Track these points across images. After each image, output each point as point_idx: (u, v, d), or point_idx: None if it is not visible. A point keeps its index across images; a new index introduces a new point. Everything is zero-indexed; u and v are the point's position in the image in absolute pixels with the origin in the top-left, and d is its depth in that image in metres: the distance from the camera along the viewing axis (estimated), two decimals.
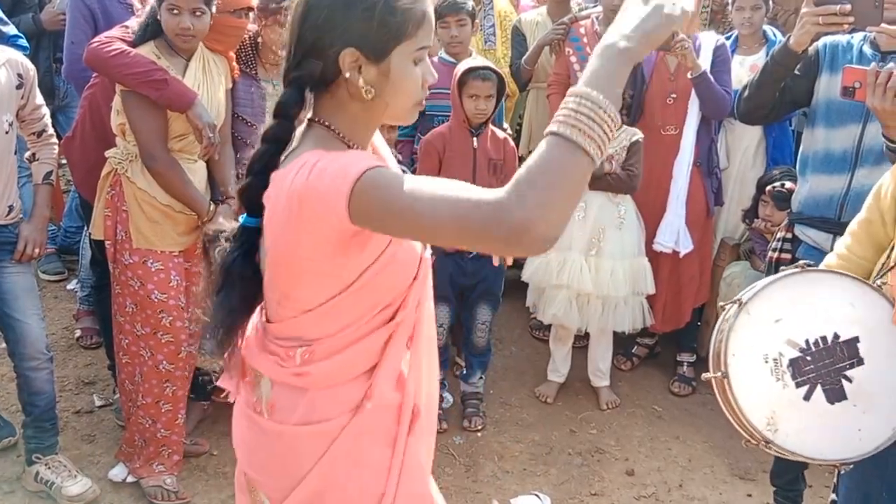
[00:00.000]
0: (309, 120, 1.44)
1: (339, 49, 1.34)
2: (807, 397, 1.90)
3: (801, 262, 2.06)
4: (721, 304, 2.05)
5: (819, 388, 1.90)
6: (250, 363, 1.55)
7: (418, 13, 1.37)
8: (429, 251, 1.54)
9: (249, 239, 1.47)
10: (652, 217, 3.81)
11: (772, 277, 2.00)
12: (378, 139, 1.59)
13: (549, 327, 4.05)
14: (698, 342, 4.30)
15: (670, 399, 4.01)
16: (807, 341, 1.91)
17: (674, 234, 3.79)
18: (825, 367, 1.90)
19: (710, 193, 3.89)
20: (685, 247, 3.81)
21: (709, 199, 3.89)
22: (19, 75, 2.86)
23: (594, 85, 1.16)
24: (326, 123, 1.42)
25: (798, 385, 1.89)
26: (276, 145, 1.41)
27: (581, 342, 4.05)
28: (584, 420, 3.78)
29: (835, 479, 2.86)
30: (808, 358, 1.90)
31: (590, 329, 3.82)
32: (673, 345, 4.23)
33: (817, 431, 1.90)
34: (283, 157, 1.43)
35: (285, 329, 1.48)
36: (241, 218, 1.47)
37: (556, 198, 1.12)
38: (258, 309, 1.58)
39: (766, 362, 1.89)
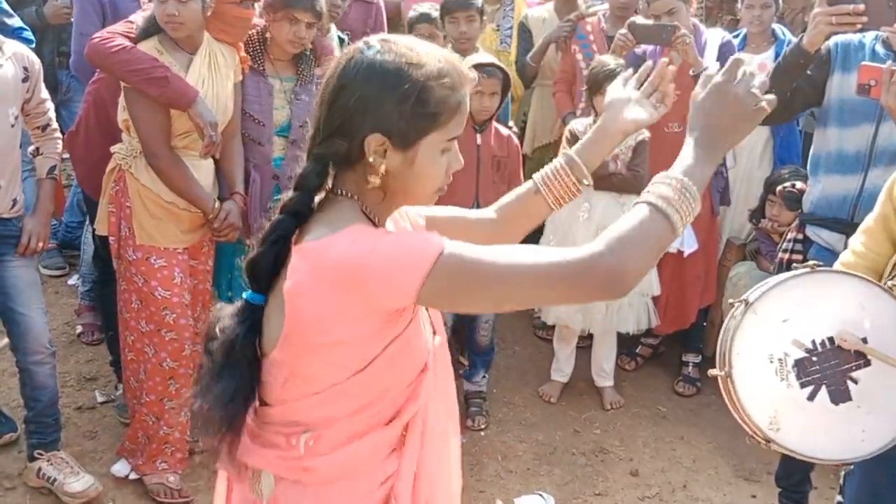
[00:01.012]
0: (331, 191, 1.39)
1: (366, 133, 1.30)
2: (811, 398, 1.89)
3: (810, 262, 2.04)
4: (730, 301, 2.04)
5: (824, 389, 1.89)
6: (246, 459, 1.43)
7: (453, 104, 1.33)
8: (438, 339, 1.49)
9: (254, 316, 1.38)
10: None
11: (780, 277, 1.99)
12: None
13: (552, 327, 4.03)
14: (704, 342, 4.29)
15: (675, 399, 3.99)
16: (813, 342, 1.90)
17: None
18: (831, 367, 1.89)
19: (714, 193, 3.87)
20: (689, 246, 3.79)
21: (713, 198, 3.87)
22: (25, 69, 2.84)
23: (694, 178, 1.30)
24: (354, 197, 1.37)
25: (802, 385, 1.89)
26: (295, 218, 1.35)
27: (584, 342, 4.04)
28: (587, 420, 3.77)
29: (840, 481, 2.86)
30: (814, 359, 1.89)
31: (593, 330, 3.80)
32: (678, 345, 4.21)
33: (820, 432, 1.90)
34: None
35: (287, 412, 1.40)
36: (246, 294, 1.39)
37: (644, 255, 1.24)
38: None
39: (771, 362, 1.89)
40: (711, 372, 1.97)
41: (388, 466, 1.43)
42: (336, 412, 1.37)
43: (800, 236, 2.97)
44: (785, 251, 3.01)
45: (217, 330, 1.40)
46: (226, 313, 1.42)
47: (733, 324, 1.94)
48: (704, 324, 4.15)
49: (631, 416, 3.83)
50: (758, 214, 3.86)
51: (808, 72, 2.86)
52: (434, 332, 1.49)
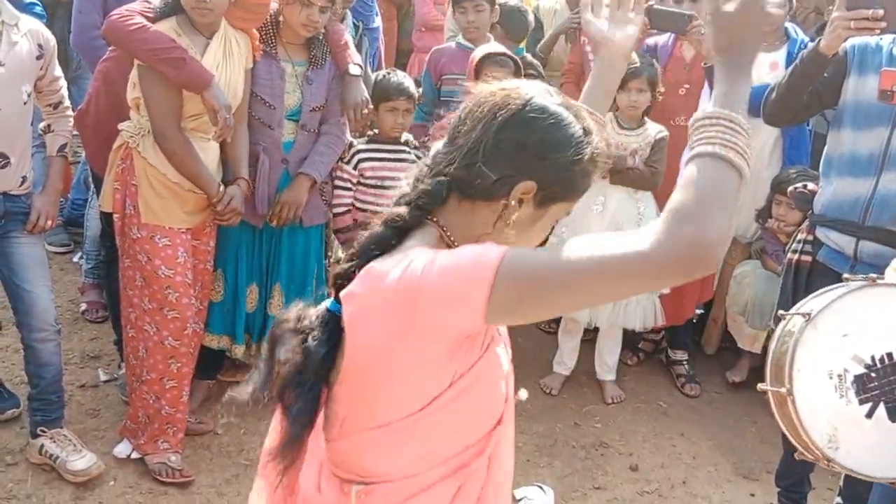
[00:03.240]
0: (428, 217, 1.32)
1: (524, 176, 1.24)
2: (869, 415, 1.86)
3: (871, 275, 2.02)
4: (780, 312, 2.01)
5: (882, 406, 1.86)
6: (305, 491, 1.38)
7: (590, 182, 1.32)
8: (511, 389, 1.40)
9: (337, 328, 1.30)
10: (660, 210, 3.79)
11: (840, 290, 1.96)
12: None
13: (556, 320, 4.04)
14: (704, 339, 4.31)
15: (675, 395, 4.00)
16: (872, 357, 1.87)
17: None
18: (889, 384, 1.86)
19: None
20: None
21: None
22: (40, 46, 2.83)
23: (734, 104, 1.19)
24: (443, 226, 1.30)
25: (861, 402, 1.85)
26: (397, 234, 1.28)
27: (588, 335, 4.04)
28: (588, 413, 3.77)
29: (840, 483, 2.87)
30: (874, 374, 1.86)
31: (599, 324, 3.81)
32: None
33: (878, 449, 1.86)
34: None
35: (344, 450, 1.33)
36: (329, 304, 1.32)
37: (721, 212, 1.11)
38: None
39: (831, 378, 1.85)
40: (762, 386, 1.93)
41: None
42: (392, 466, 1.30)
43: (809, 237, 2.95)
44: (794, 252, 3.00)
45: (296, 334, 1.33)
46: (310, 316, 1.34)
47: (791, 338, 1.90)
48: (693, 320, 4.15)
49: (631, 411, 3.84)
50: (764, 214, 3.86)
51: (825, 74, 2.85)
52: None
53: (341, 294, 1.28)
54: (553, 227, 1.37)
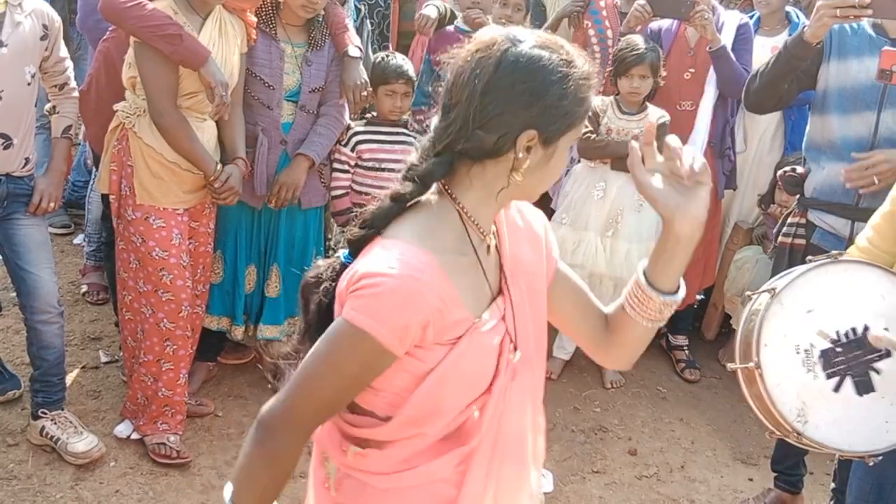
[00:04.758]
0: (439, 188, 1.36)
1: (522, 128, 1.27)
2: (836, 389, 1.88)
3: (833, 252, 2.03)
4: (747, 293, 2.02)
5: (849, 380, 1.88)
6: (315, 437, 1.45)
7: (589, 102, 1.32)
8: (518, 356, 1.38)
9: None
10: None
11: (804, 267, 1.98)
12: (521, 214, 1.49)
13: None
14: (704, 324, 4.31)
15: (675, 381, 4.01)
16: (837, 332, 1.89)
17: None
18: (855, 358, 1.88)
19: (720, 175, 3.86)
20: None
21: (718, 181, 3.85)
22: (44, 26, 2.82)
23: None
24: (457, 200, 1.34)
25: (829, 376, 1.88)
26: (400, 207, 1.33)
27: None
28: (587, 398, 3.78)
29: (835, 467, 2.88)
30: (839, 349, 1.88)
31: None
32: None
33: (846, 423, 1.89)
34: None
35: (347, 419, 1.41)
36: (343, 255, 1.39)
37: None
38: None
39: (798, 353, 1.88)
40: (731, 366, 1.96)
41: (449, 490, 1.38)
42: (386, 432, 1.35)
43: (802, 220, 2.95)
44: (786, 235, 2.99)
45: (319, 285, 1.40)
46: (323, 268, 1.41)
47: (757, 315, 1.92)
48: (694, 306, 4.15)
49: (631, 396, 3.85)
50: (767, 199, 3.86)
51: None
52: (515, 348, 1.38)
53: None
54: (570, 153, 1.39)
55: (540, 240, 1.50)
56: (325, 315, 1.37)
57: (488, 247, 1.39)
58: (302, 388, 1.29)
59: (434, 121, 1.37)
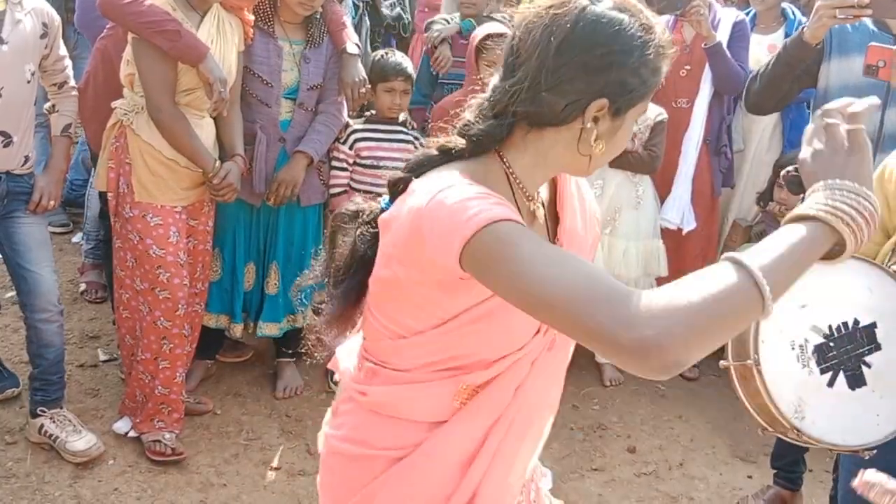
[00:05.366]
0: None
1: (594, 96, 1.18)
2: (830, 384, 1.89)
3: None
4: None
5: (841, 375, 1.89)
6: (338, 357, 1.49)
7: (663, 73, 1.25)
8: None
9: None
10: (658, 192, 3.78)
11: None
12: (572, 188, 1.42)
13: None
14: None
15: (674, 378, 3.90)
16: (830, 327, 1.90)
17: (680, 211, 3.76)
18: (847, 353, 1.89)
19: (717, 173, 3.86)
20: (689, 224, 3.78)
21: (715, 178, 3.85)
22: (44, 24, 2.82)
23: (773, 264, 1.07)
24: (506, 161, 1.27)
25: (822, 371, 1.88)
26: (446, 159, 1.27)
27: None
28: (587, 396, 3.78)
29: (835, 461, 2.88)
30: (832, 344, 1.89)
31: None
32: None
33: (840, 418, 1.89)
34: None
35: (370, 348, 1.40)
36: (383, 201, 1.34)
37: (706, 328, 1.00)
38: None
39: (793, 349, 1.88)
40: (724, 363, 1.95)
41: (421, 432, 1.36)
42: (404, 363, 1.34)
43: None
44: None
45: (353, 226, 1.39)
46: (366, 211, 1.38)
47: None
48: None
49: (630, 394, 3.84)
50: (766, 197, 3.85)
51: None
52: None
53: (396, 201, 1.29)
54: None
55: (593, 222, 1.46)
56: (359, 259, 1.35)
57: (533, 213, 1.34)
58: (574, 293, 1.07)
59: (494, 79, 1.29)
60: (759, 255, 1.07)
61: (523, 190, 1.29)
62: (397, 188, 1.29)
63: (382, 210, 1.33)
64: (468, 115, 1.29)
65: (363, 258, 1.35)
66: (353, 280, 1.37)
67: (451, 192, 1.15)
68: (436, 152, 1.28)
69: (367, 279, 1.35)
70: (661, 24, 1.24)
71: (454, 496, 1.36)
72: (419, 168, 1.28)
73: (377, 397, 1.38)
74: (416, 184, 1.24)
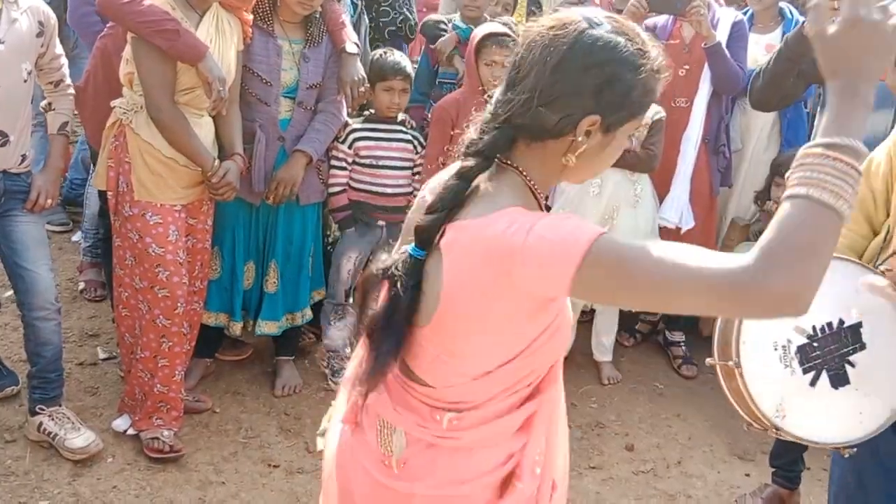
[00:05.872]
0: (498, 161, 1.34)
1: (586, 112, 1.25)
2: (812, 383, 1.92)
3: None
4: None
5: (824, 374, 1.92)
6: (383, 415, 1.44)
7: (656, 95, 1.32)
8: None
9: (420, 272, 1.33)
10: (657, 191, 3.79)
11: None
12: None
13: None
14: (701, 320, 4.30)
15: (672, 377, 4.02)
16: (814, 328, 1.92)
17: (678, 210, 3.77)
18: (830, 352, 1.92)
19: (715, 172, 3.86)
20: (687, 223, 3.79)
21: (713, 177, 3.86)
22: (40, 23, 2.83)
23: (838, 133, 1.12)
24: (522, 171, 1.33)
25: (805, 371, 1.91)
26: (467, 184, 1.30)
27: (585, 316, 4.05)
28: (584, 394, 3.79)
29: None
30: (815, 344, 1.91)
31: (596, 305, 3.81)
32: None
33: (823, 416, 1.92)
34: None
35: (436, 395, 1.39)
36: (410, 248, 1.34)
37: (814, 262, 1.07)
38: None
39: (776, 350, 1.90)
40: (710, 361, 1.98)
41: (514, 443, 1.42)
42: (480, 397, 1.37)
43: None
44: None
45: (385, 280, 1.37)
46: (395, 262, 1.37)
47: None
48: None
49: (628, 392, 3.85)
50: (763, 196, 3.86)
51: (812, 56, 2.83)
52: None
53: (442, 243, 1.30)
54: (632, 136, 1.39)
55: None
56: (396, 309, 1.34)
57: None
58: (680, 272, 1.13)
59: (496, 93, 1.35)
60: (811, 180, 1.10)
61: (541, 197, 1.36)
62: (432, 231, 1.30)
63: (412, 256, 1.33)
64: (472, 133, 1.35)
65: (409, 307, 1.34)
66: (397, 334, 1.36)
67: (541, 225, 1.19)
68: (455, 180, 1.31)
69: (408, 330, 1.36)
70: (657, 48, 1.31)
71: (541, 492, 1.45)
72: (447, 202, 1.30)
73: (471, 438, 1.40)
74: (475, 215, 1.27)
